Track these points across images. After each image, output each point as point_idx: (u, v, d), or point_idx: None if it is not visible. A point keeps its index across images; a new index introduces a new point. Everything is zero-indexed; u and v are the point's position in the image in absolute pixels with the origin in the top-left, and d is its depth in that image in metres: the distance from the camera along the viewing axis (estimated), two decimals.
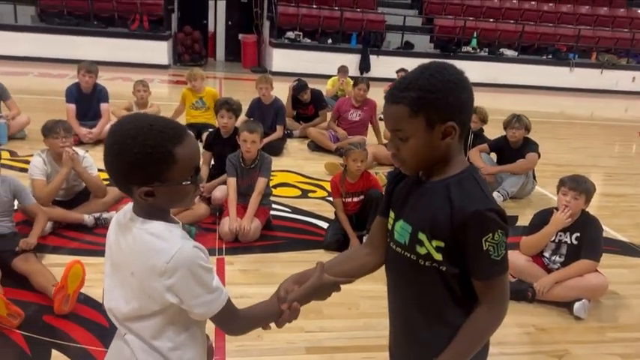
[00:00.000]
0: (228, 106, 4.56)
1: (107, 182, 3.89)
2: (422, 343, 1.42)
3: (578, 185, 3.25)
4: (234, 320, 1.36)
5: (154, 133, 1.21)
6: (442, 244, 1.32)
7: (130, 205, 1.34)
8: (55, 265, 3.15)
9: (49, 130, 3.79)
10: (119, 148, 1.22)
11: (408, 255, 1.39)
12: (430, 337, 1.40)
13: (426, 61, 1.35)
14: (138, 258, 1.26)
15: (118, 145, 1.22)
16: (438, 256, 1.33)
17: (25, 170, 4.27)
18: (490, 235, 1.27)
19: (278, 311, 1.43)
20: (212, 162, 4.64)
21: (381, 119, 6.58)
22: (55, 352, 2.53)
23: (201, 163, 4.56)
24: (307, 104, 7.16)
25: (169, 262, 1.21)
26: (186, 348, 1.35)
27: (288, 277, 1.55)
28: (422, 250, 1.35)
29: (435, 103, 1.27)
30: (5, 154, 5.34)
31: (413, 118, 1.28)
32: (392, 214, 1.47)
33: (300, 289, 1.48)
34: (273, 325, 1.47)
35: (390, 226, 1.48)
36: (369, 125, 6.54)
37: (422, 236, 1.35)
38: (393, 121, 1.33)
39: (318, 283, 1.48)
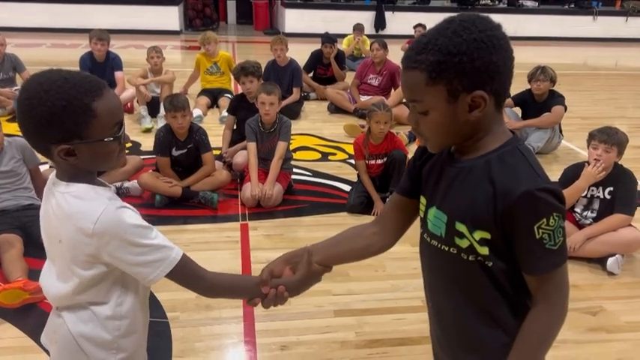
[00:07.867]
0: (245, 70, 4.46)
1: (127, 151, 3.86)
2: (472, 344, 1.23)
3: (608, 137, 3.13)
4: (197, 280, 1.29)
5: (69, 85, 1.13)
6: (488, 236, 1.10)
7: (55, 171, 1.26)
8: None
9: None
10: (31, 103, 1.12)
11: (447, 249, 1.18)
12: (481, 338, 1.21)
13: (444, 15, 1.12)
14: (64, 223, 1.18)
15: (30, 100, 1.12)
16: (484, 250, 1.12)
17: None
18: (544, 220, 1.04)
19: (255, 290, 1.36)
20: (234, 127, 4.58)
21: None
22: None
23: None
24: (328, 64, 6.99)
25: (96, 223, 1.14)
26: (127, 320, 1.28)
27: (277, 257, 1.42)
28: (463, 243, 1.14)
29: (458, 68, 1.03)
30: None
31: (431, 87, 1.05)
32: (423, 200, 1.25)
33: (290, 280, 1.37)
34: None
35: (422, 214, 1.26)
36: (391, 89, 6.28)
37: (461, 227, 1.13)
38: (409, 91, 1.11)
39: (306, 274, 1.37)
